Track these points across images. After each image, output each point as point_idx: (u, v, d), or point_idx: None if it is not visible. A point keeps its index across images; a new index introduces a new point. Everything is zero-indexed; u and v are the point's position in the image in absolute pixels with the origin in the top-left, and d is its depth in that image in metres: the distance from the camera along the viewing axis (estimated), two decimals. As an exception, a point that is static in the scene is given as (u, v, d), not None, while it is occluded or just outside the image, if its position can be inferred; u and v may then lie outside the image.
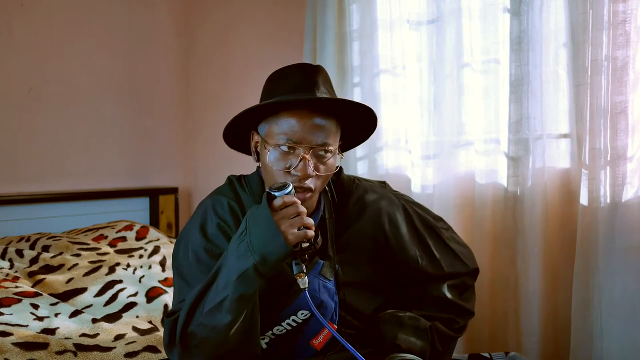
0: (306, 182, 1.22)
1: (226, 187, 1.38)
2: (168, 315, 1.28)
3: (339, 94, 2.41)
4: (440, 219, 1.53)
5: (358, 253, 1.38)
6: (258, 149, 1.30)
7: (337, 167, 1.29)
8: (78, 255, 2.15)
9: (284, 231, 1.13)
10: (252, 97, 3.05)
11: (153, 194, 2.92)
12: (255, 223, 1.16)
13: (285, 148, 1.22)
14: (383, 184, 1.51)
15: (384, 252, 1.40)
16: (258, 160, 1.31)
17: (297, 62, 1.32)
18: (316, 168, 1.23)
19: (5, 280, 1.92)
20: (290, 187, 1.18)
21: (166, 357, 1.56)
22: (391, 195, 1.47)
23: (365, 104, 1.32)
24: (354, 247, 1.37)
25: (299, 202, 1.18)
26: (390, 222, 1.41)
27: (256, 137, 1.30)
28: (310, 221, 1.16)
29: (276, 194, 1.17)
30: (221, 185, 1.40)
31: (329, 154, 1.25)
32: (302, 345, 1.31)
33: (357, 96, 2.42)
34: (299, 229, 1.14)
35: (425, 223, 1.47)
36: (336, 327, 1.31)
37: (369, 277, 1.38)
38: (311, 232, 1.16)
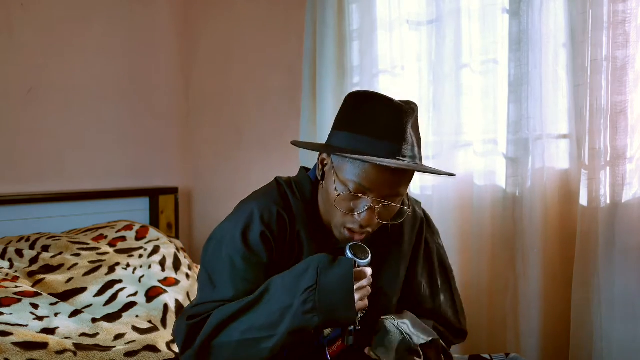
0: (367, 228, 1.21)
1: (275, 191, 1.30)
2: (189, 317, 1.24)
3: (338, 95, 2.42)
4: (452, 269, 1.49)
5: (393, 266, 1.35)
6: (325, 169, 1.25)
7: (406, 212, 1.24)
8: (78, 255, 2.15)
9: (355, 301, 1.13)
10: (252, 97, 3.06)
11: (153, 194, 2.92)
12: (330, 285, 1.12)
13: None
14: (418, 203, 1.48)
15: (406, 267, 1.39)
16: (322, 178, 1.26)
17: (380, 96, 1.22)
18: (380, 216, 1.20)
19: (5, 280, 1.93)
20: (370, 256, 1.17)
21: (166, 358, 1.56)
22: (426, 218, 1.44)
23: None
24: (389, 260, 1.35)
25: (371, 272, 1.18)
26: (418, 241, 1.39)
27: (327, 159, 1.25)
28: (369, 291, 1.17)
29: (361, 262, 1.16)
30: (269, 189, 1.33)
31: (397, 201, 1.21)
32: (315, 350, 1.28)
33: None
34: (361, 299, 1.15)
35: (441, 260, 1.43)
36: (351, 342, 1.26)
37: (396, 292, 1.35)
38: (366, 303, 1.17)
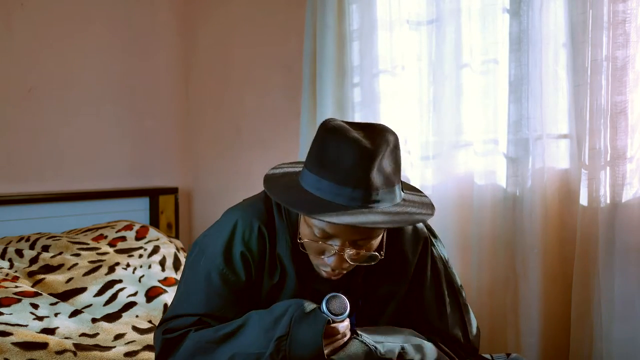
0: (341, 270, 1.17)
1: (261, 204, 1.27)
2: (165, 331, 1.25)
3: (338, 95, 2.41)
4: (462, 288, 1.40)
5: (390, 285, 1.30)
6: None
7: (377, 259, 1.16)
8: (78, 255, 2.15)
9: (326, 354, 1.11)
10: (252, 97, 3.06)
11: (153, 194, 2.92)
12: (301, 339, 1.11)
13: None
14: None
15: (406, 287, 1.32)
16: (297, 213, 1.21)
17: (357, 124, 1.16)
18: (352, 259, 1.14)
19: (5, 280, 1.93)
20: (348, 309, 1.13)
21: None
22: (431, 236, 1.37)
23: (413, 186, 1.25)
24: (387, 278, 1.29)
25: (348, 324, 1.15)
26: (422, 260, 1.32)
27: None
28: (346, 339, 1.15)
29: (336, 318, 1.12)
30: (256, 200, 1.30)
31: (369, 243, 1.15)
32: None
33: (356, 96, 2.42)
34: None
35: (448, 279, 1.35)
36: None
37: (392, 317, 1.31)
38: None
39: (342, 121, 1.16)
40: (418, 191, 1.25)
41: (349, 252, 1.13)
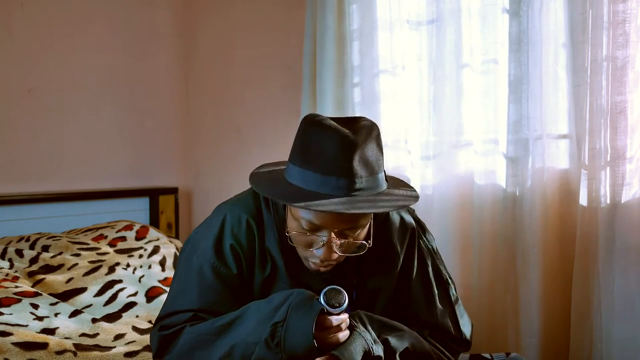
0: (330, 261, 1.16)
1: (250, 199, 1.30)
2: (161, 328, 1.26)
3: (338, 95, 2.41)
4: (452, 281, 1.39)
5: (379, 276, 1.30)
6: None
7: (366, 247, 1.16)
8: (78, 255, 2.15)
9: (321, 345, 1.10)
10: (252, 97, 3.06)
11: (153, 194, 2.92)
12: (295, 328, 1.11)
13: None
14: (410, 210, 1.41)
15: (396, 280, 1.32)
16: (284, 207, 1.22)
17: (336, 117, 1.17)
18: (342, 249, 1.15)
19: (5, 280, 1.93)
20: (346, 303, 1.12)
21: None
22: (420, 228, 1.37)
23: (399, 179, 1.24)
24: (376, 270, 1.30)
25: (347, 317, 1.14)
26: (410, 251, 1.33)
27: None
28: (346, 334, 1.14)
29: (333, 310, 1.10)
30: (245, 195, 1.32)
31: (357, 232, 1.15)
32: None
33: (357, 96, 2.42)
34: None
35: (437, 272, 1.35)
36: None
37: (383, 311, 1.30)
38: (343, 337, 1.13)
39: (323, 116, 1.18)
40: (407, 186, 1.26)
41: (337, 241, 1.13)
